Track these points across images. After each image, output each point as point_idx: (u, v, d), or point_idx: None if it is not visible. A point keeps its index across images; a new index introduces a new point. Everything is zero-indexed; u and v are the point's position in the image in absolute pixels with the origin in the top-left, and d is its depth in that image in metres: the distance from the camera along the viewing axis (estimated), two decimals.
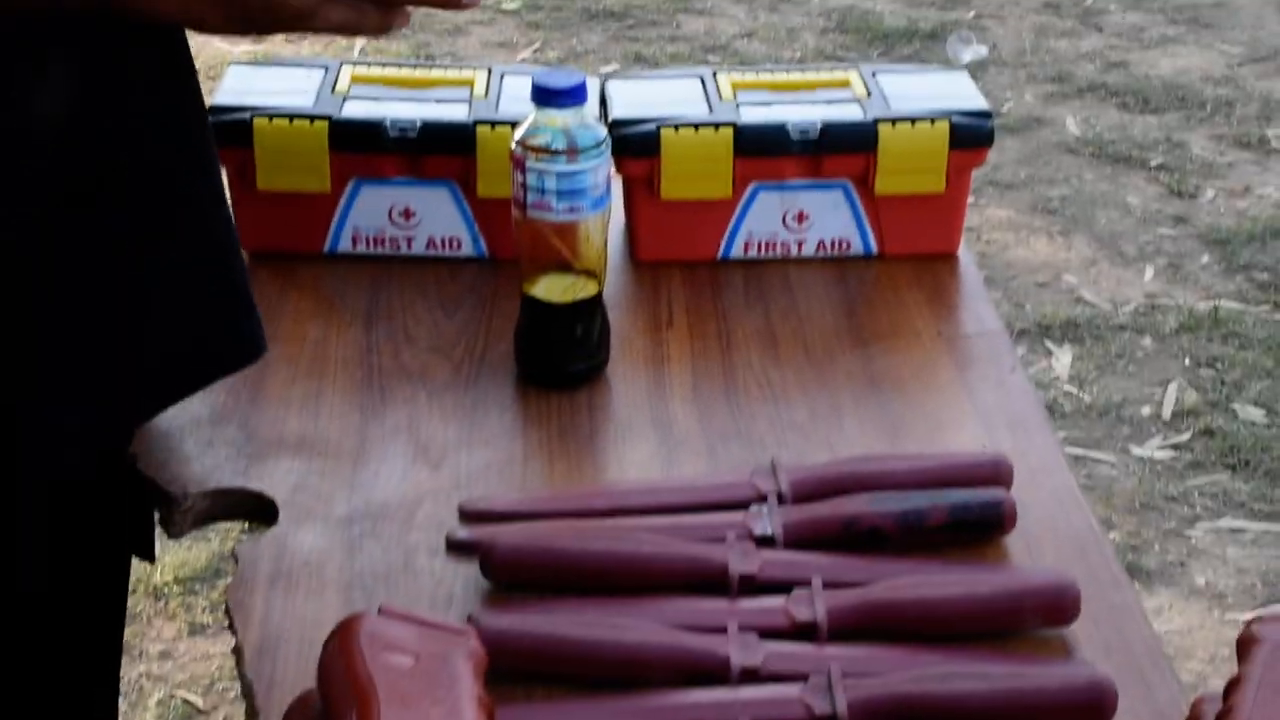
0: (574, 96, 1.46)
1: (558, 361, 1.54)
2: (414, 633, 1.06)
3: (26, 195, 1.27)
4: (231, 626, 1.29)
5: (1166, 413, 3.37)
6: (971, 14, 5.24)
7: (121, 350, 1.38)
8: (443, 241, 1.73)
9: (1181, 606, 2.82)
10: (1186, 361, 3.54)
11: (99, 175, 1.31)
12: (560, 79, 1.46)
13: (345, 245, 1.73)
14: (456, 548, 1.32)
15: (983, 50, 4.98)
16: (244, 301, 1.47)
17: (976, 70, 4.81)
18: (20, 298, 1.31)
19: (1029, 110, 4.63)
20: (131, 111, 1.32)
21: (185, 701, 2.62)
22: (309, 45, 4.65)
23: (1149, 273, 3.87)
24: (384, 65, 1.82)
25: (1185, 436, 3.30)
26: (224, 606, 2.34)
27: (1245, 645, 1.07)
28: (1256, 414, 3.36)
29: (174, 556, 2.90)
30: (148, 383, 1.42)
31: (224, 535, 2.95)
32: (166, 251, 1.39)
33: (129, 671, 2.65)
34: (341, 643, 1.05)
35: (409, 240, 1.73)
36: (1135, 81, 4.81)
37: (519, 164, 1.47)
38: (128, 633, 2.70)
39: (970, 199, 4.03)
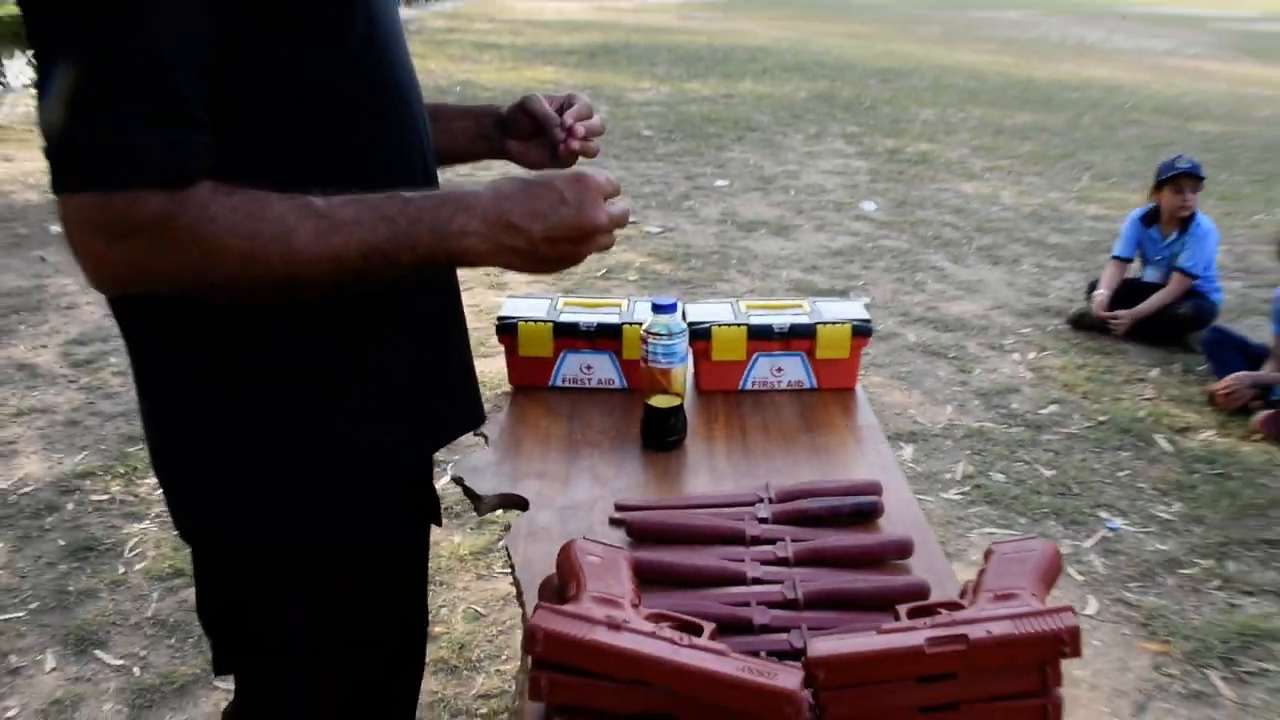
0: (671, 309, 1.48)
1: (661, 438, 1.53)
2: (600, 548, 1.08)
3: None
4: (509, 555, 1.29)
5: (958, 476, 3.36)
6: (861, 282, 5.27)
7: (434, 394, 1.21)
8: (605, 380, 1.72)
9: (962, 575, 2.79)
10: (968, 452, 3.52)
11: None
12: (664, 300, 1.48)
13: (559, 383, 1.72)
14: (614, 523, 1.33)
15: (867, 299, 5.02)
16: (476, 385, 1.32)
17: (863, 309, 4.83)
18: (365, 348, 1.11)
19: (890, 330, 4.63)
20: None
21: (476, 611, 2.60)
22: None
23: (949, 409, 3.86)
24: (580, 296, 1.81)
25: (966, 489, 3.27)
26: (499, 563, 2.32)
27: (986, 556, 1.09)
28: (1001, 479, 3.33)
29: (469, 540, 2.85)
30: (446, 417, 1.25)
31: (495, 532, 2.90)
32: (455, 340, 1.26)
33: (447, 596, 2.63)
34: (566, 551, 1.08)
35: (588, 380, 1.72)
36: (941, 316, 4.80)
37: (644, 341, 1.49)
38: (446, 576, 2.69)
39: (863, 371, 4.11)
